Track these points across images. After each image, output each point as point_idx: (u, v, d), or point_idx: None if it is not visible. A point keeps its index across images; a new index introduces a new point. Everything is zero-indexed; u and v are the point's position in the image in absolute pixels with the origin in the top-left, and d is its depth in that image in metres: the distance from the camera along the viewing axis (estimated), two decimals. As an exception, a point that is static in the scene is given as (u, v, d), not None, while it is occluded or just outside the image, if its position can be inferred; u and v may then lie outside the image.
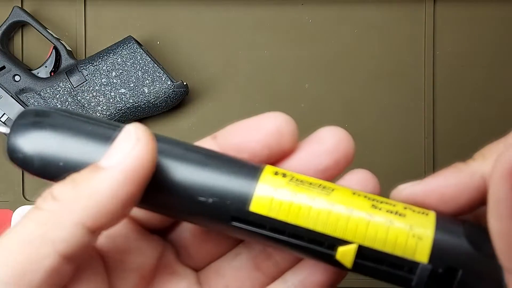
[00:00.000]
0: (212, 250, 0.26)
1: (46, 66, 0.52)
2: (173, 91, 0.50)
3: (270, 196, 0.22)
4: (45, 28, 0.51)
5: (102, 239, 0.24)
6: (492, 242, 0.20)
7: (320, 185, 0.23)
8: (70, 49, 0.53)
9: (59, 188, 0.21)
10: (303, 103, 0.53)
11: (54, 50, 0.52)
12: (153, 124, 0.53)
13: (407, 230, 0.21)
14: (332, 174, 0.24)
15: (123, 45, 0.50)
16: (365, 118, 0.53)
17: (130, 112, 0.51)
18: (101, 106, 0.50)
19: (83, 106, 0.50)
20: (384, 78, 0.53)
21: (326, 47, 0.53)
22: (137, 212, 0.25)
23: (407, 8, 0.53)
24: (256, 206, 0.22)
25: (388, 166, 0.52)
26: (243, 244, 0.27)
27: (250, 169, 0.23)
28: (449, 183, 0.23)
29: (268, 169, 0.23)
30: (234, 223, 0.22)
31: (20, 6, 0.52)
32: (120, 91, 0.50)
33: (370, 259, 0.22)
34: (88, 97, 0.50)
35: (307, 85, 0.53)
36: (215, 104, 0.53)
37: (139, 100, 0.50)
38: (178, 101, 0.51)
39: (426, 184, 0.23)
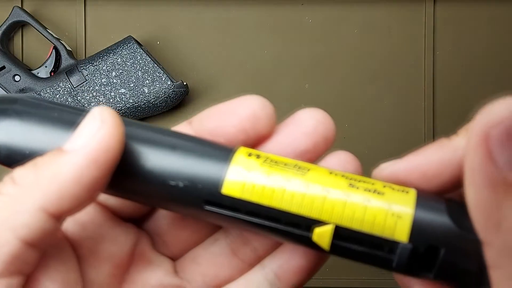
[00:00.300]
0: (188, 238, 0.26)
1: (46, 66, 0.52)
2: (173, 91, 0.50)
3: (243, 178, 0.21)
4: (45, 28, 0.51)
5: (72, 227, 0.24)
6: (470, 214, 0.19)
7: (295, 165, 0.22)
8: (70, 49, 0.53)
9: (20, 172, 0.20)
10: (303, 103, 0.53)
11: (54, 50, 0.52)
12: (153, 124, 0.53)
13: (385, 209, 0.20)
14: (311, 157, 0.23)
15: (123, 45, 0.50)
16: (365, 118, 0.53)
17: (130, 112, 0.51)
18: (101, 106, 0.50)
19: (83, 106, 0.50)
20: (384, 78, 0.53)
21: (326, 47, 0.53)
22: (109, 200, 0.25)
23: (407, 8, 0.53)
24: (228, 189, 0.21)
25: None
26: (220, 231, 0.26)
27: (222, 151, 0.22)
28: (432, 159, 0.22)
29: (242, 151, 0.22)
30: (207, 207, 0.22)
31: (20, 6, 0.52)
32: (120, 91, 0.50)
33: (348, 240, 0.21)
34: (88, 97, 0.50)
35: (307, 85, 0.53)
36: (215, 104, 0.53)
37: (139, 100, 0.50)
38: (178, 101, 0.51)
39: (408, 161, 0.22)
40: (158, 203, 0.23)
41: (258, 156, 0.22)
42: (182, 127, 0.24)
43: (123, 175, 0.22)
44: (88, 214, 0.24)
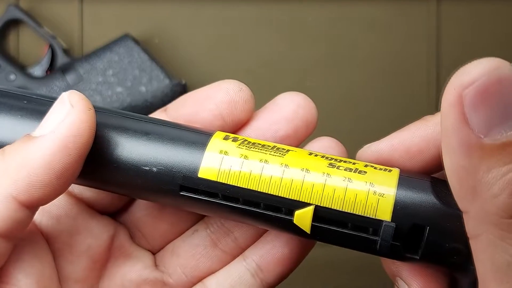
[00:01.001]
0: (167, 229, 0.25)
1: (42, 65, 0.51)
2: (171, 89, 0.50)
3: (219, 160, 0.21)
4: (40, 26, 0.51)
5: (47, 221, 0.23)
6: (448, 182, 0.18)
7: (273, 147, 0.21)
8: (67, 47, 0.52)
9: None
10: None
11: (50, 48, 0.51)
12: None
13: (367, 187, 0.20)
14: (293, 143, 0.23)
15: (120, 43, 0.50)
16: (367, 117, 0.53)
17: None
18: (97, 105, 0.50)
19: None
20: (387, 76, 0.53)
21: (327, 45, 0.53)
22: (84, 193, 0.24)
23: (411, 5, 0.52)
24: (204, 173, 0.21)
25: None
26: (200, 222, 0.25)
27: (197, 134, 0.22)
28: (415, 134, 0.21)
29: (218, 134, 0.22)
30: (183, 192, 0.21)
31: (16, 4, 0.52)
32: (116, 90, 0.50)
33: (329, 221, 0.20)
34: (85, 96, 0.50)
35: (308, 83, 0.53)
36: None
37: (136, 99, 0.50)
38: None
39: (391, 139, 0.22)
40: (134, 191, 0.22)
41: (235, 139, 0.22)
42: (157, 114, 0.24)
43: (95, 162, 0.21)
44: (62, 207, 0.23)
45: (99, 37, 0.52)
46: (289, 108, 0.23)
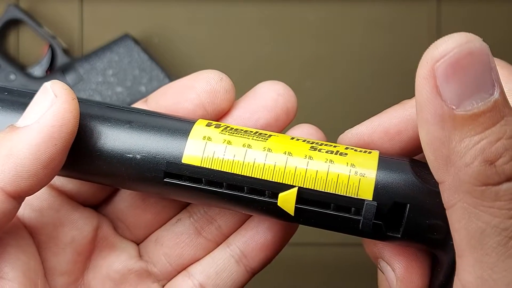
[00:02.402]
0: (151, 220, 0.25)
1: (42, 65, 0.51)
2: (171, 89, 0.50)
3: (202, 146, 0.21)
4: (40, 25, 0.51)
5: (29, 214, 0.23)
6: (426, 161, 0.19)
7: (256, 132, 0.22)
8: (67, 47, 0.52)
9: None
10: (304, 102, 0.52)
11: (50, 48, 0.51)
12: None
13: (348, 168, 0.20)
14: (274, 131, 0.23)
15: (120, 42, 0.50)
16: (367, 116, 0.52)
17: (127, 111, 0.50)
18: (97, 105, 0.50)
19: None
20: (388, 76, 0.53)
21: (327, 44, 0.53)
22: (67, 185, 0.24)
23: (411, 5, 0.52)
24: (188, 158, 0.21)
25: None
26: (184, 210, 0.26)
27: (180, 122, 0.22)
28: (393, 117, 0.22)
29: (200, 122, 0.22)
30: (167, 179, 0.21)
31: (16, 4, 0.52)
32: (116, 89, 0.50)
33: (312, 202, 0.21)
34: (84, 96, 0.50)
35: (307, 83, 0.53)
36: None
37: (136, 99, 0.49)
38: (176, 100, 0.51)
39: (370, 122, 0.23)
40: (117, 180, 0.22)
41: (217, 126, 0.22)
42: (138, 105, 0.24)
43: (79, 152, 0.21)
44: (45, 200, 0.24)
45: (99, 37, 0.52)
46: (269, 96, 0.23)
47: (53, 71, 0.51)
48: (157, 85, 0.49)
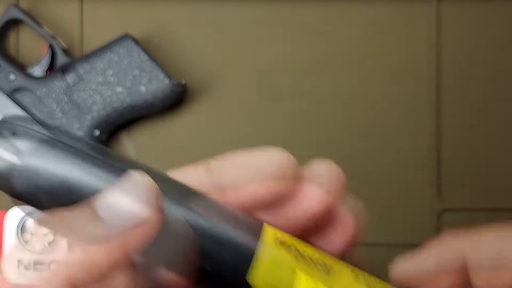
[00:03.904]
0: None
1: (41, 65, 0.51)
2: (171, 90, 0.50)
3: (270, 273, 0.20)
4: (40, 25, 0.51)
5: None
6: None
7: (322, 263, 0.21)
8: (67, 47, 0.52)
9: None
10: (304, 102, 0.52)
11: (50, 48, 0.51)
12: (151, 124, 0.52)
13: None
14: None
15: (120, 42, 0.50)
16: (368, 118, 0.53)
17: (127, 112, 0.50)
18: (97, 105, 0.50)
19: (79, 105, 0.50)
20: (388, 77, 0.53)
21: (328, 45, 0.53)
22: None
23: (411, 6, 0.52)
24: (255, 278, 0.20)
25: (392, 165, 0.52)
26: None
27: (249, 231, 0.20)
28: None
29: (270, 234, 0.21)
30: None
31: (16, 4, 0.52)
32: (116, 90, 0.50)
33: None
34: (84, 96, 0.50)
35: (308, 84, 0.53)
36: (214, 103, 0.53)
37: (136, 100, 0.50)
38: (176, 100, 0.51)
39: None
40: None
41: (288, 247, 0.21)
42: (199, 172, 0.22)
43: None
44: None
45: (99, 37, 0.52)
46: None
47: (53, 71, 0.51)
48: (156, 85, 0.49)
